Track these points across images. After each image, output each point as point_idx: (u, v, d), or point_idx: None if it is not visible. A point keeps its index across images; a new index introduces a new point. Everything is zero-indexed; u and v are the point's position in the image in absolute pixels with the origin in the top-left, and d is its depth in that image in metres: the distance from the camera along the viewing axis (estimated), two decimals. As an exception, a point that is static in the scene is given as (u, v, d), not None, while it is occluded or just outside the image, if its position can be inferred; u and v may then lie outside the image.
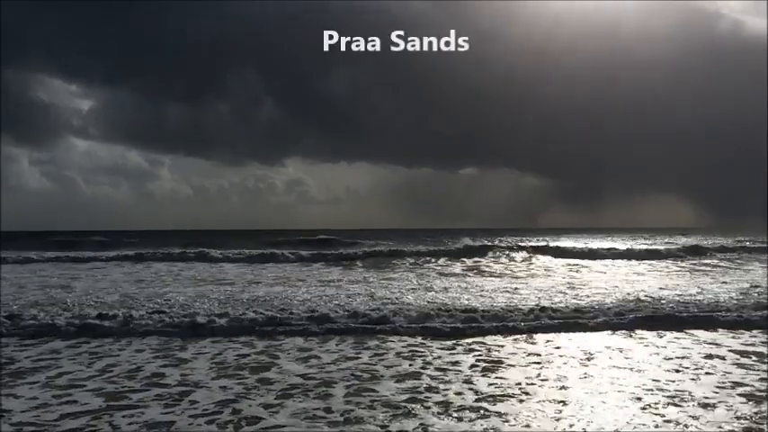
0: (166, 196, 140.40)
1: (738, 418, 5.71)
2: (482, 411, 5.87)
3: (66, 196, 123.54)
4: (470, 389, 6.60)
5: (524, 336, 9.45)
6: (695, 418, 5.71)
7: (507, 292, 13.88)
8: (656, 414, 5.81)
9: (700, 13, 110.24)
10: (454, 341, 8.95)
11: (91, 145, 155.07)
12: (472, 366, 7.55)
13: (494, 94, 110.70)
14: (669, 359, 7.99)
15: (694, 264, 23.01)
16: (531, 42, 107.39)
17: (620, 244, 35.99)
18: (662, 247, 29.87)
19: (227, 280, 17.42)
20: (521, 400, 6.24)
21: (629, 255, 26.77)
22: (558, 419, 5.69)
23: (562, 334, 9.57)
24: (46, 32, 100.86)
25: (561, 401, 6.21)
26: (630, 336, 9.43)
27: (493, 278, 17.94)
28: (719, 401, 6.18)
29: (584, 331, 9.75)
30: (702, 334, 9.45)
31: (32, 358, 8.13)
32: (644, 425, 5.55)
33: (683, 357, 8.07)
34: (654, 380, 6.98)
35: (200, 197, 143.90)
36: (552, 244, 31.54)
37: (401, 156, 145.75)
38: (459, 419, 5.67)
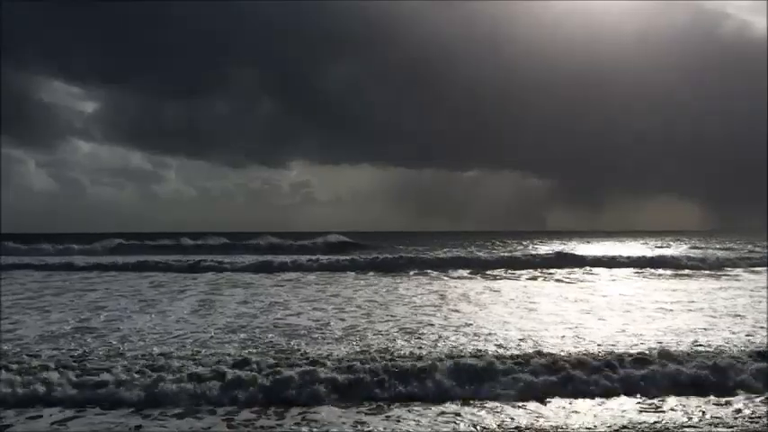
0: (171, 198, 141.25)
1: None
2: None
3: (72, 198, 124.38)
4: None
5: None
6: None
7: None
8: None
9: (705, 14, 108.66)
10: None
11: (95, 147, 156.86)
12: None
13: (496, 95, 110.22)
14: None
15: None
16: (535, 44, 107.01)
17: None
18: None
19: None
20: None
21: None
22: None
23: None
24: (47, 35, 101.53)
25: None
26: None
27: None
28: None
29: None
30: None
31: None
32: None
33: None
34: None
35: (204, 198, 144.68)
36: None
37: (404, 158, 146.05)
38: None
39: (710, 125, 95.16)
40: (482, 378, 6.52)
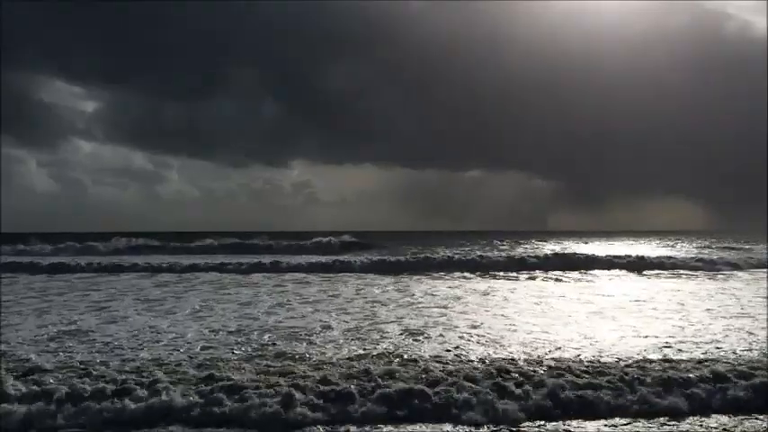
0: (173, 198, 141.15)
1: None
2: None
3: (74, 198, 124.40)
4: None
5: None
6: None
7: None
8: None
9: (708, 14, 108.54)
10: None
11: (96, 147, 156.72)
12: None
13: (497, 96, 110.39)
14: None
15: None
16: (538, 44, 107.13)
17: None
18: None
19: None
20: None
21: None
22: None
23: None
24: (47, 35, 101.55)
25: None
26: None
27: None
28: None
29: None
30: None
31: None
32: None
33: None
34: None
35: (206, 198, 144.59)
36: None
37: (406, 158, 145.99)
38: None
39: (712, 125, 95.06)
40: (491, 388, 6.25)
